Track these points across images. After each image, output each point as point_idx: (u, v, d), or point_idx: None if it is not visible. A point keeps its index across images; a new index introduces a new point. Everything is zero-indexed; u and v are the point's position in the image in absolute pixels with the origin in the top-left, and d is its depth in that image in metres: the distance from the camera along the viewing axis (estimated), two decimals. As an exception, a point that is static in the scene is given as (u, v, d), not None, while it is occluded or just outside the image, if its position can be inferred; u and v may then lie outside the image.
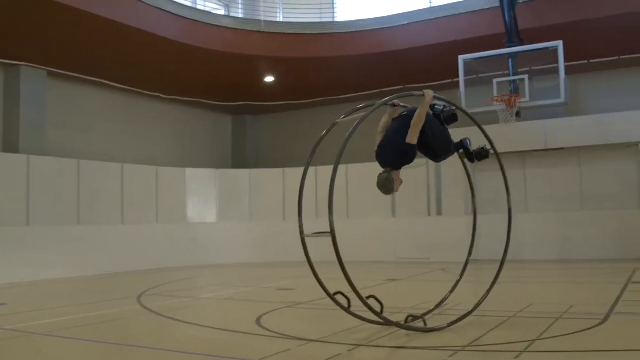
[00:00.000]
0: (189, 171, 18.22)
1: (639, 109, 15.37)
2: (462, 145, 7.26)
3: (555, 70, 13.34)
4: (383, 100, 6.92)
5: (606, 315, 7.39)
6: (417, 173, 17.24)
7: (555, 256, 15.78)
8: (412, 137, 6.62)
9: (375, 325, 7.05)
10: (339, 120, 7.47)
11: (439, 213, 16.98)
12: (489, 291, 7.65)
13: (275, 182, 18.90)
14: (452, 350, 5.81)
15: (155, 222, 17.12)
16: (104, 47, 14.51)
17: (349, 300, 7.06)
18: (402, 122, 6.77)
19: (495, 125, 14.84)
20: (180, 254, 17.15)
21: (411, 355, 5.86)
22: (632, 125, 15.15)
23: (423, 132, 6.70)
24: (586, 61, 15.59)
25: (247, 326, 7.39)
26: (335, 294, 7.15)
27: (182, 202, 17.87)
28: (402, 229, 17.18)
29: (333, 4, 17.60)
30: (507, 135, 16.25)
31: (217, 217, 18.52)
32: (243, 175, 19.10)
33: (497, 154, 7.70)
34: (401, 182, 6.79)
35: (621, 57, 15.39)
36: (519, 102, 12.89)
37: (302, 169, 18.86)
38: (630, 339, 6.26)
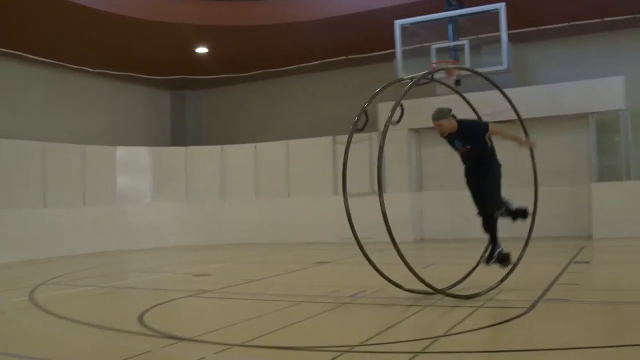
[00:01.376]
0: (120, 149, 17.08)
1: (591, 79, 14.59)
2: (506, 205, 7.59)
3: (500, 39, 12.44)
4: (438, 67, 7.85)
5: (534, 302, 6.56)
6: (359, 149, 16.33)
7: (504, 234, 14.97)
8: (494, 129, 7.10)
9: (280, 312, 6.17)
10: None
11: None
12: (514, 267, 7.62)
13: (213, 160, 17.90)
14: (337, 351, 4.91)
15: (82, 204, 15.99)
16: (20, 16, 13.23)
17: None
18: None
19: (439, 97, 13.96)
20: (110, 237, 16.03)
21: (291, 356, 4.97)
22: (583, 95, 14.36)
23: (487, 165, 7.25)
24: (534, 28, 14.73)
25: (123, 321, 6.47)
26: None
27: (112, 182, 16.73)
28: (344, 207, 16.24)
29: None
30: (452, 107, 15.39)
31: (151, 197, 17.43)
32: (179, 153, 18.01)
33: (521, 121, 8.30)
34: (449, 129, 7.09)
35: (571, 23, 14.54)
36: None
37: (242, 146, 18.16)
38: (543, 335, 5.39)
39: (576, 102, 14.43)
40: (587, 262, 10.36)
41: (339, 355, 4.74)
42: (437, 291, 6.71)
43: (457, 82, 12.23)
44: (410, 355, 4.68)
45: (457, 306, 6.59)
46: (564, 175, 14.95)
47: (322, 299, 7.31)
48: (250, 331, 5.75)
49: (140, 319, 6.49)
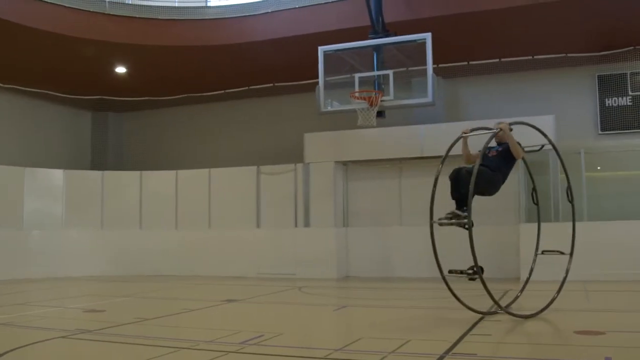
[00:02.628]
0: (29, 171, 15.97)
1: (521, 116, 14.23)
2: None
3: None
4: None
5: (439, 357, 5.87)
6: (283, 180, 15.66)
7: (428, 274, 14.41)
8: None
9: None
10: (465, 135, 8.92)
11: (307, 224, 15.39)
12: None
13: (131, 187, 16.94)
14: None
15: (-18, 228, 14.86)
16: None
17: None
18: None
19: (371, 130, 13.40)
20: (12, 264, 14.84)
21: None
22: (513, 133, 13.98)
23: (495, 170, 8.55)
24: (465, 63, 14.38)
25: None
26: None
27: (19, 205, 15.60)
28: (266, 241, 15.52)
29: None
30: (382, 142, 14.87)
31: (62, 223, 16.33)
32: (95, 177, 16.98)
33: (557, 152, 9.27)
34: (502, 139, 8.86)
35: (502, 59, 14.24)
36: (382, 100, 11.38)
37: (163, 172, 17.19)
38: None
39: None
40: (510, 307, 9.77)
41: None
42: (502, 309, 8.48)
43: (381, 114, 11.65)
44: None
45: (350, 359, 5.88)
46: (490, 215, 14.48)
47: (206, 345, 6.49)
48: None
49: (-14, 368, 5.57)
